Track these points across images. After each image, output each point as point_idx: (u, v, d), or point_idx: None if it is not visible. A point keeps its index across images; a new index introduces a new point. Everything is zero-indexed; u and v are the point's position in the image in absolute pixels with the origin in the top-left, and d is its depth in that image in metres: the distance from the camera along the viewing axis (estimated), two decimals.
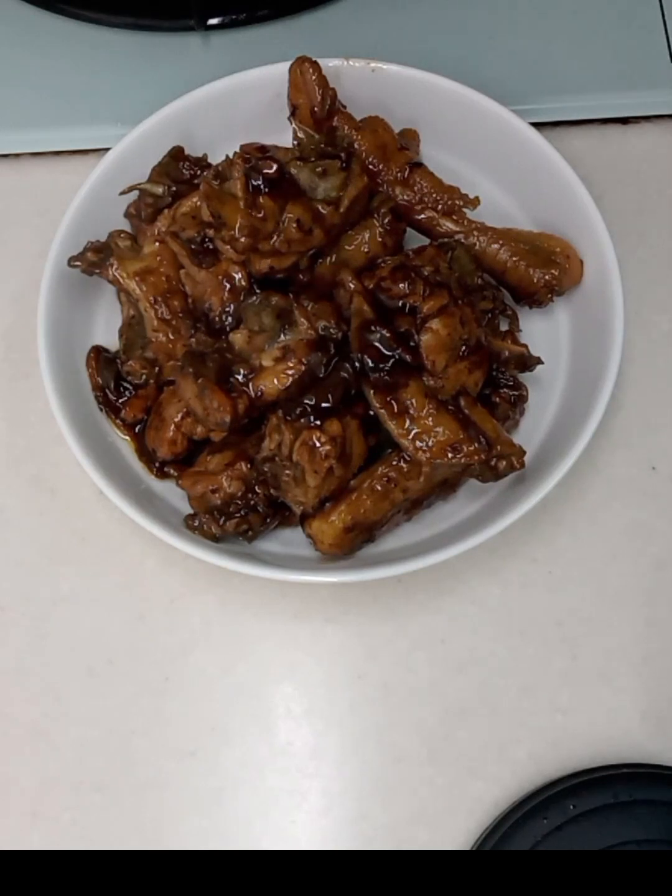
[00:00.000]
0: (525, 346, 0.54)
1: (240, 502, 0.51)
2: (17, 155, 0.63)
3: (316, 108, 0.54)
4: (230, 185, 0.49)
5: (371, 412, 0.50)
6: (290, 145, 0.54)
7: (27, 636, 0.55)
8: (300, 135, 0.53)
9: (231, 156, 0.50)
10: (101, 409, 0.56)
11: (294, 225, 0.49)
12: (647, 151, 0.63)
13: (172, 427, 0.53)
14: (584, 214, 0.55)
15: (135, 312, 0.55)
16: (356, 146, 0.54)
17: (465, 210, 0.55)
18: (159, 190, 0.54)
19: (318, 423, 0.48)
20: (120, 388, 0.55)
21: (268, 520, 0.52)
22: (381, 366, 0.48)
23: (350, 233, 0.52)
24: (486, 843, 0.49)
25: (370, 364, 0.48)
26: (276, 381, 0.49)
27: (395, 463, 0.50)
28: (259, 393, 0.50)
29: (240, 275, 0.51)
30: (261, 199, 0.48)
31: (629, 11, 0.66)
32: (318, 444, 0.48)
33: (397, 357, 0.48)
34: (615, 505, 0.56)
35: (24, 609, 0.55)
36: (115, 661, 0.54)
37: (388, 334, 0.48)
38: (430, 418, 0.48)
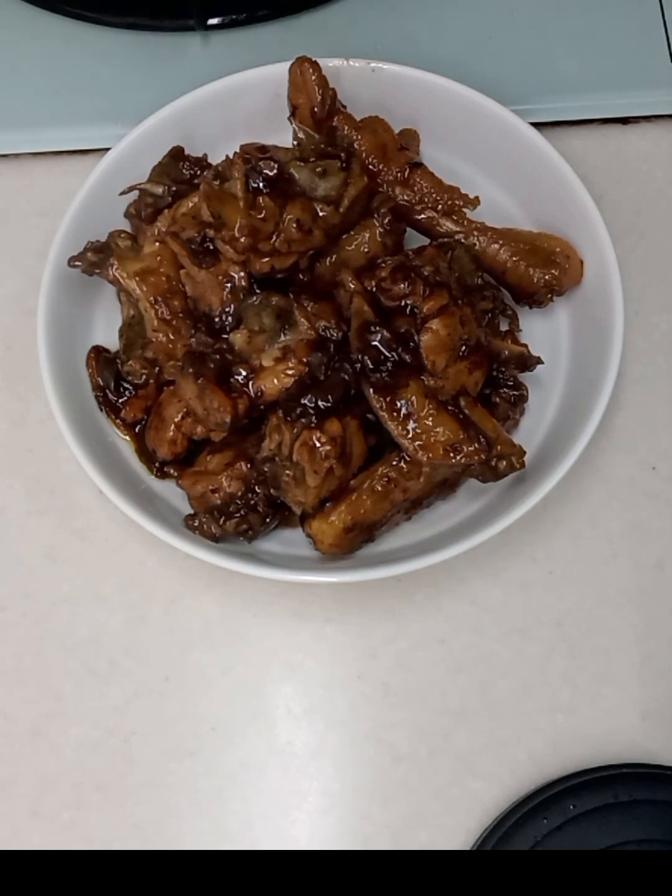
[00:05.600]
0: (525, 346, 0.54)
1: (240, 502, 0.51)
2: (17, 155, 0.63)
3: (316, 108, 0.54)
4: (230, 185, 0.49)
5: (371, 412, 0.50)
6: (290, 145, 0.54)
7: (27, 636, 0.55)
8: (300, 135, 0.53)
9: (231, 156, 0.50)
10: (101, 409, 0.56)
11: (294, 225, 0.49)
12: (647, 151, 0.63)
13: (172, 427, 0.53)
14: (584, 214, 0.55)
15: (135, 312, 0.55)
16: (356, 146, 0.54)
17: (465, 210, 0.55)
18: (159, 190, 0.54)
19: (317, 423, 0.48)
20: (120, 388, 0.55)
21: (268, 520, 0.52)
22: (382, 366, 0.48)
23: (350, 233, 0.52)
24: (486, 843, 0.49)
25: (370, 364, 0.48)
26: (276, 381, 0.49)
27: (395, 463, 0.50)
28: (259, 393, 0.50)
29: (240, 275, 0.51)
30: (261, 199, 0.48)
31: (629, 11, 0.66)
32: (318, 444, 0.48)
33: (397, 357, 0.48)
34: (615, 505, 0.56)
35: (24, 609, 0.55)
36: (115, 661, 0.54)
37: (388, 335, 0.48)
38: (430, 418, 0.48)
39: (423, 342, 0.48)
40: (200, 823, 0.52)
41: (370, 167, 0.54)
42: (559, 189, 0.56)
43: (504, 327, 0.56)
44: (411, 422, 0.48)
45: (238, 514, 0.51)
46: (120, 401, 0.55)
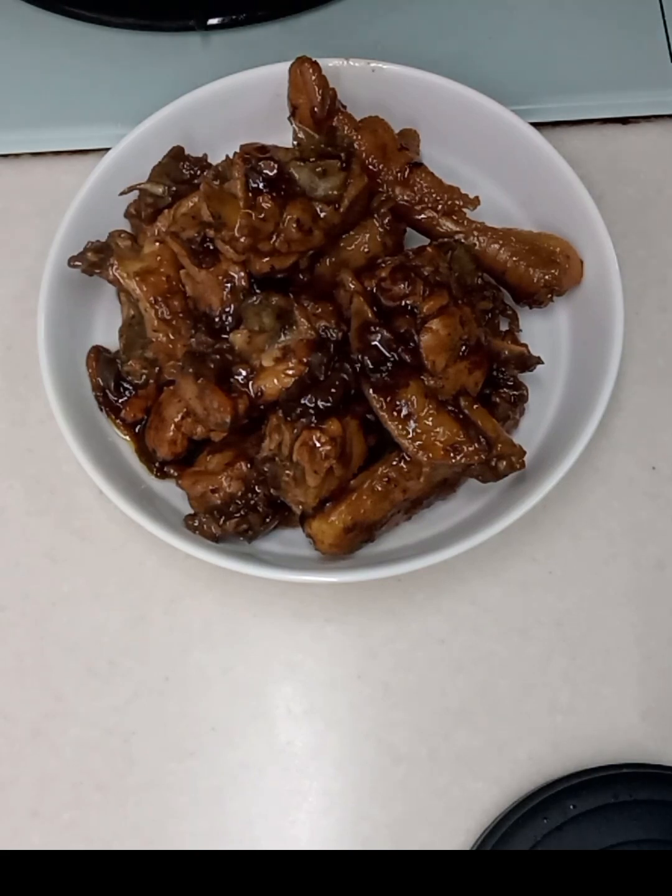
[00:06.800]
0: (525, 345, 0.54)
1: (240, 502, 0.51)
2: (17, 155, 0.63)
3: (316, 108, 0.54)
4: (230, 185, 0.49)
5: (371, 412, 0.49)
6: (290, 145, 0.54)
7: (27, 636, 0.55)
8: (300, 135, 0.53)
9: (231, 156, 0.50)
10: (101, 409, 0.56)
11: (294, 225, 0.49)
12: (647, 151, 0.63)
13: (172, 427, 0.53)
14: (584, 214, 0.55)
15: (135, 312, 0.55)
16: (356, 146, 0.54)
17: (465, 210, 0.55)
18: (159, 190, 0.54)
19: (317, 423, 0.48)
20: (120, 388, 0.55)
21: (268, 520, 0.52)
22: (382, 366, 0.48)
23: (350, 233, 0.52)
24: (486, 843, 0.49)
25: (370, 364, 0.48)
26: (276, 381, 0.49)
27: (395, 463, 0.50)
28: (259, 393, 0.50)
29: (240, 275, 0.51)
30: (261, 199, 0.48)
31: (629, 11, 0.66)
32: (318, 444, 0.48)
33: (397, 357, 0.48)
34: (615, 505, 0.56)
35: (24, 609, 0.55)
36: (115, 661, 0.54)
37: (388, 335, 0.48)
38: (431, 418, 0.48)
39: (423, 342, 0.48)
40: (200, 823, 0.52)
41: (370, 167, 0.54)
42: (559, 189, 0.56)
43: (504, 327, 0.56)
44: (411, 422, 0.48)
45: (238, 514, 0.51)
46: (120, 401, 0.55)
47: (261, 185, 0.49)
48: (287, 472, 0.49)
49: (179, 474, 0.54)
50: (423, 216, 0.55)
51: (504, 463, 0.50)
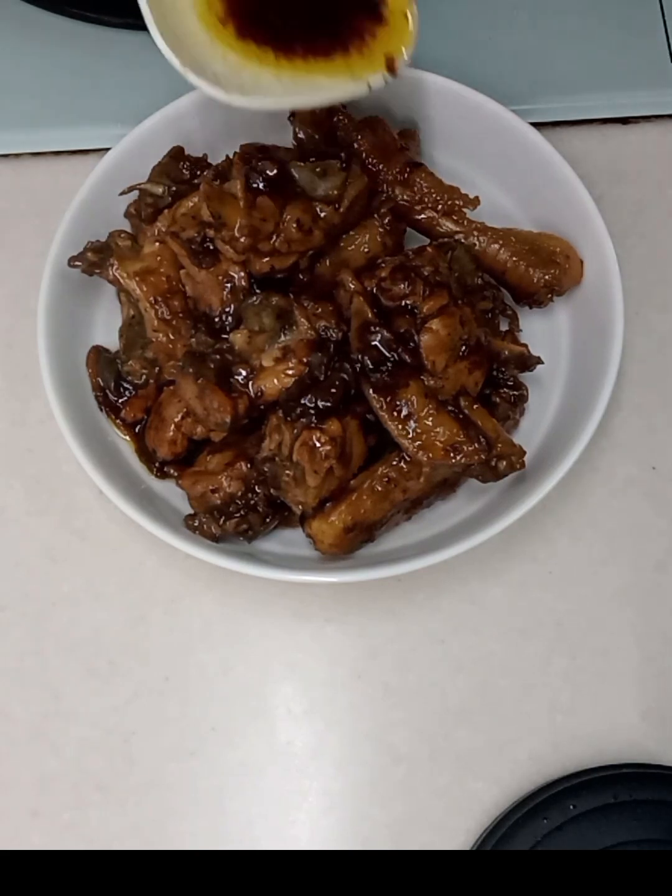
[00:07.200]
0: (525, 346, 0.54)
1: (240, 502, 0.51)
2: (17, 155, 0.63)
3: (316, 108, 0.54)
4: (230, 185, 0.49)
5: (371, 412, 0.49)
6: (290, 145, 0.54)
7: (27, 636, 0.55)
8: (300, 135, 0.53)
9: (231, 156, 0.50)
10: (101, 409, 0.56)
11: (294, 225, 0.49)
12: (647, 151, 0.63)
13: (172, 427, 0.53)
14: (584, 214, 0.55)
15: (135, 312, 0.55)
16: (356, 146, 0.54)
17: (465, 210, 0.55)
18: (159, 190, 0.54)
19: (317, 423, 0.48)
20: (120, 388, 0.55)
21: (268, 520, 0.52)
22: (382, 366, 0.48)
23: (350, 233, 0.52)
24: (486, 843, 0.49)
25: (370, 364, 0.48)
26: (276, 381, 0.49)
27: (395, 463, 0.50)
28: (259, 393, 0.50)
29: (240, 275, 0.51)
30: (261, 200, 0.48)
31: (629, 11, 0.66)
32: (318, 444, 0.48)
33: (397, 357, 0.48)
34: (615, 505, 0.56)
35: (24, 609, 0.55)
36: (115, 661, 0.54)
37: (388, 335, 0.48)
38: (431, 419, 0.48)
39: (423, 342, 0.48)
40: (200, 823, 0.52)
41: (370, 167, 0.54)
42: (559, 189, 0.56)
43: (504, 327, 0.56)
44: (411, 422, 0.48)
45: (238, 514, 0.51)
46: (120, 401, 0.55)
47: (261, 185, 0.49)
48: (287, 472, 0.49)
49: (179, 474, 0.54)
50: (423, 216, 0.55)
51: (504, 463, 0.50)
